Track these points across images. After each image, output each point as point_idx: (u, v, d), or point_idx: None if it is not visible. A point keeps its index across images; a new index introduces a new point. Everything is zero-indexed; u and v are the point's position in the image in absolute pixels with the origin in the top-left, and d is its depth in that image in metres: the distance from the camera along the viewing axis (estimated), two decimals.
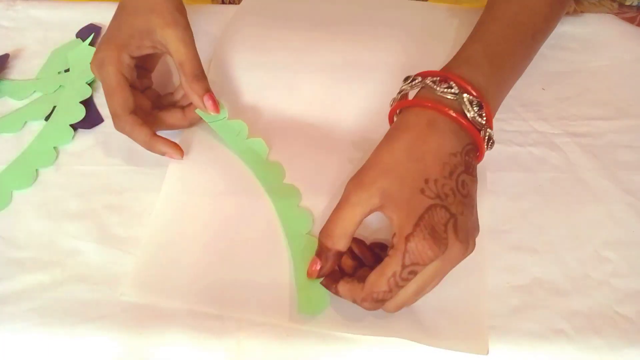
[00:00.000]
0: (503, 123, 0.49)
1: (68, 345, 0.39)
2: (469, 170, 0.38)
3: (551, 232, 0.43)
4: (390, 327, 0.38)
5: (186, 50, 0.44)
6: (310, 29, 0.56)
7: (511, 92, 0.51)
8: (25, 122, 0.50)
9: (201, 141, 0.48)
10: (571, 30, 0.56)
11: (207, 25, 0.57)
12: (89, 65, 0.45)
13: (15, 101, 0.52)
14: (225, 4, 0.65)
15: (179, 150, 0.46)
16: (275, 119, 0.49)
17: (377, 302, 0.36)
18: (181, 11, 0.45)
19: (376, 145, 0.39)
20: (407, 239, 0.35)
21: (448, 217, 0.36)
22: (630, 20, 0.57)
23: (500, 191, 0.45)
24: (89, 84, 0.52)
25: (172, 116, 0.47)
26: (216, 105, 0.45)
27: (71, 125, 0.49)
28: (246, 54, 0.54)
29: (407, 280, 0.35)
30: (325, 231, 0.38)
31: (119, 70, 0.44)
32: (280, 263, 0.41)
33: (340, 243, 0.37)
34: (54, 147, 0.48)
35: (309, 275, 0.39)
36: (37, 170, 0.47)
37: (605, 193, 0.45)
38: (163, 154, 0.46)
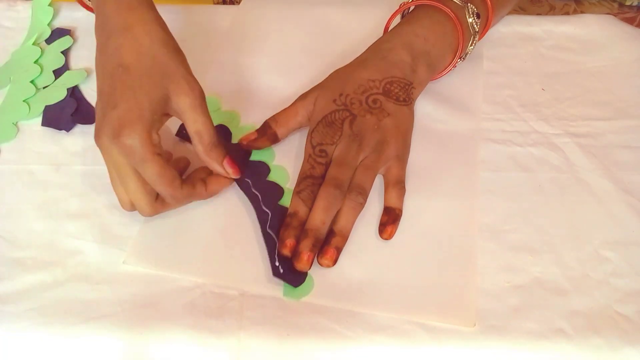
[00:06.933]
0: (503, 123, 0.49)
1: (68, 345, 0.39)
2: (389, 94, 0.46)
3: (551, 232, 0.43)
4: (379, 302, 0.40)
5: (203, 120, 0.41)
6: (309, 28, 0.56)
7: (511, 92, 0.51)
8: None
9: None
10: (571, 31, 0.56)
11: (207, 25, 0.57)
12: (31, 64, 0.51)
13: None
14: (226, 4, 0.66)
15: (228, 180, 0.44)
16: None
17: (307, 179, 0.43)
18: (192, 74, 0.42)
19: None
20: (312, 130, 0.45)
21: (347, 115, 0.45)
22: (630, 21, 0.58)
23: (500, 191, 0.45)
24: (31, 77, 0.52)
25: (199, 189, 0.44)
26: (236, 168, 0.43)
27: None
28: (246, 55, 0.54)
29: (321, 157, 0.44)
30: (273, 116, 0.47)
31: (158, 157, 0.39)
32: None
33: (280, 129, 0.46)
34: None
35: (240, 140, 0.46)
36: None
37: (605, 193, 0.45)
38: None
